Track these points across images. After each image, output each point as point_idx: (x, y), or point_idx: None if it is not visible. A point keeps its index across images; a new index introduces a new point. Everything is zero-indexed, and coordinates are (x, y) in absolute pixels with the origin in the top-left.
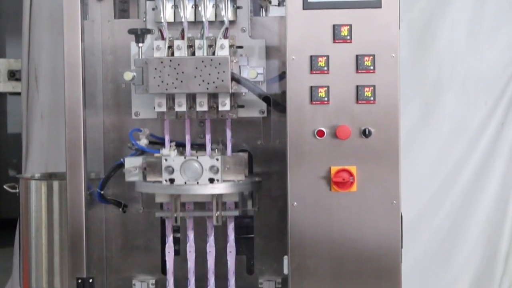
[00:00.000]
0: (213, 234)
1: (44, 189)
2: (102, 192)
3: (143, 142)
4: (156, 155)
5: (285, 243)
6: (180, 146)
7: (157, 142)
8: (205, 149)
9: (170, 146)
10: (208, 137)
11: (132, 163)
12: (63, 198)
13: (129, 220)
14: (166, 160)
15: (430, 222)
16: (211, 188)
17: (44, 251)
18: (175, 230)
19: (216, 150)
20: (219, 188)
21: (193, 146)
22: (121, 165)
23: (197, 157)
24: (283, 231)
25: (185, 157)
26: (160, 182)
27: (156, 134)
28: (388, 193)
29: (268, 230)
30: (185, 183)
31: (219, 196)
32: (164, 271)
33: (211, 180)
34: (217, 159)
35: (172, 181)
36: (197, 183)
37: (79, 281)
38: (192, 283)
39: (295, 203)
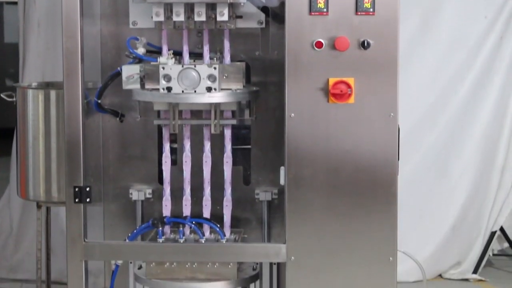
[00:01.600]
0: (209, 143)
1: (41, 98)
2: (99, 101)
3: (141, 51)
4: (154, 63)
5: (281, 154)
6: (177, 55)
7: (155, 51)
8: (203, 59)
9: (168, 55)
10: (206, 48)
11: (129, 71)
12: (60, 107)
13: (126, 129)
14: (163, 68)
15: (427, 135)
16: (209, 97)
17: (42, 160)
18: (172, 140)
19: (214, 59)
20: (217, 97)
21: (191, 55)
22: (119, 74)
23: (195, 66)
24: (280, 142)
25: (182, 66)
26: (158, 90)
27: (153, 44)
28: (386, 105)
29: (265, 141)
30: (183, 91)
31: (216, 105)
32: (161, 180)
33: (209, 89)
34: (215, 68)
35: (169, 89)
36: (195, 91)
37: (76, 189)
38: (188, 193)
39: (293, 114)
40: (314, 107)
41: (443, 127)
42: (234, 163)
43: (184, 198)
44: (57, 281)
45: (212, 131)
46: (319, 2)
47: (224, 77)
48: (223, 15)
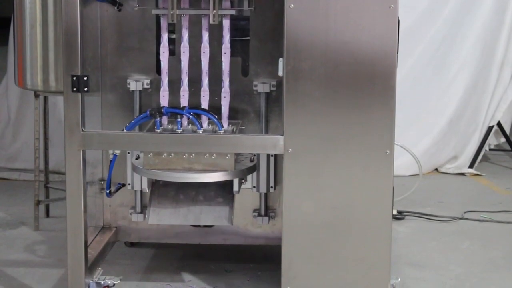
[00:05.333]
0: (208, 33)
1: None
2: None
3: None
4: None
5: (280, 46)
6: None
7: None
8: None
9: None
10: None
11: None
12: None
13: (124, 19)
14: None
15: (427, 29)
16: None
17: (39, 49)
18: (170, 31)
19: None
20: None
21: None
22: None
23: None
24: (279, 34)
25: None
26: None
27: None
28: None
29: (263, 32)
30: None
31: None
32: (158, 71)
33: None
34: None
35: None
36: None
37: (74, 78)
38: (185, 83)
39: (292, 5)
40: None
41: (443, 22)
42: (233, 54)
43: (182, 88)
44: (55, 170)
45: (211, 21)
46: None
47: None
48: None
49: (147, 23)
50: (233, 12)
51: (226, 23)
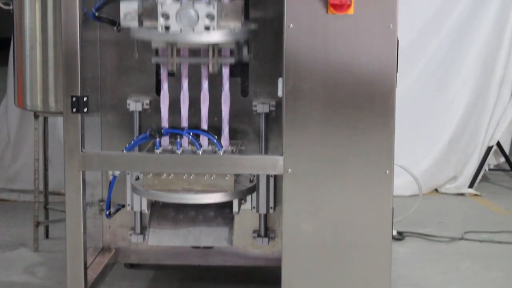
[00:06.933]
0: (207, 81)
1: (38, 5)
2: (97, 14)
3: None
4: (152, 1)
5: (280, 66)
6: None
7: None
8: None
9: None
10: None
11: (128, 7)
12: (57, 15)
13: (124, 39)
14: (161, 6)
15: (427, 47)
16: (207, 36)
17: (39, 69)
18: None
19: None
20: (215, 36)
21: None
22: None
23: (193, 4)
24: (278, 54)
25: (181, 4)
26: (156, 28)
27: None
28: (385, 17)
29: (263, 52)
30: (181, 30)
31: (214, 44)
32: (158, 91)
33: (207, 28)
34: (213, 7)
35: (167, 28)
36: (193, 30)
37: (74, 99)
38: (186, 122)
39: (291, 25)
40: (313, 18)
41: (443, 40)
42: (232, 74)
43: (182, 107)
44: (55, 191)
45: (210, 71)
46: None
47: (223, 15)
48: None
49: (145, 43)
50: (232, 61)
51: (226, 71)
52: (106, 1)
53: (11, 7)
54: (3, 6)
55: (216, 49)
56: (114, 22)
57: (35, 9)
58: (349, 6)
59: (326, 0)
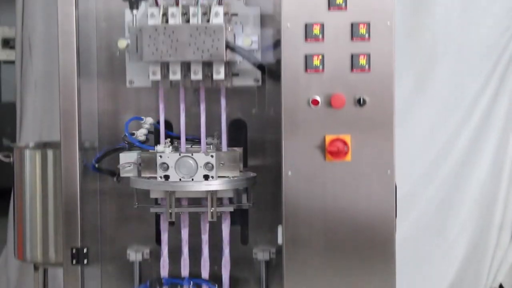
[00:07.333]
0: (207, 231)
1: (39, 158)
2: (96, 165)
3: (142, 132)
4: (151, 151)
5: (279, 213)
6: (174, 138)
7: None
8: (200, 142)
9: (165, 143)
10: (202, 107)
11: (126, 158)
12: (57, 167)
13: (123, 190)
14: (161, 156)
15: (424, 193)
16: (206, 185)
17: (39, 221)
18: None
19: (211, 145)
20: (214, 185)
21: (187, 141)
22: (122, 148)
23: (192, 154)
24: (277, 201)
25: (180, 154)
26: (155, 178)
27: (150, 103)
28: (383, 163)
29: (262, 200)
30: (180, 179)
31: (214, 192)
32: (158, 241)
33: (206, 177)
34: (212, 156)
35: (167, 177)
36: (192, 179)
37: (74, 251)
38: (186, 271)
39: (290, 172)
40: (311, 165)
41: (440, 185)
42: (232, 222)
43: (182, 258)
44: None
45: (209, 219)
46: (315, 60)
47: (221, 165)
48: (219, 73)
49: (145, 191)
50: (231, 209)
51: (226, 219)
52: (105, 152)
53: (11, 160)
54: (3, 158)
55: (215, 197)
56: (114, 173)
57: (35, 161)
58: (346, 153)
59: (323, 148)
